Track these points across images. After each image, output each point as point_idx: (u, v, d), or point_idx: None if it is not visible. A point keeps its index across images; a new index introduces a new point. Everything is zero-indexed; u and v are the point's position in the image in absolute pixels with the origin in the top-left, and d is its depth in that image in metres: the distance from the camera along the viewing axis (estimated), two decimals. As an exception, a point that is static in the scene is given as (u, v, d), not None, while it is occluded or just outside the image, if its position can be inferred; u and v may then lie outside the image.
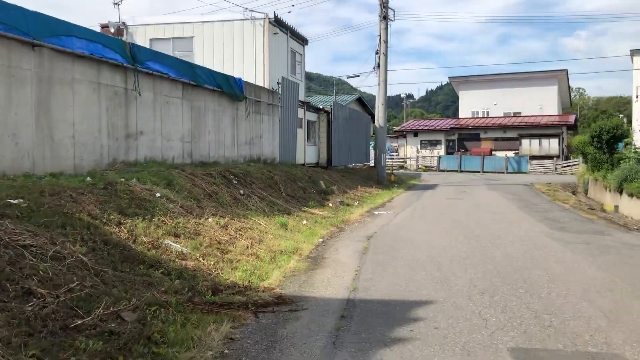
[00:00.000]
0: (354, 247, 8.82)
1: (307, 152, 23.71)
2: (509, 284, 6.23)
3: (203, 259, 6.60)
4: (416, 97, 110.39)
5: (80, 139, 9.32)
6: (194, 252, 6.74)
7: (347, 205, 14.49)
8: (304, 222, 10.76)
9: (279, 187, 13.11)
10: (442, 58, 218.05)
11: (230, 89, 14.83)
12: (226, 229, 8.32)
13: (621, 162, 19.35)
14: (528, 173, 37.40)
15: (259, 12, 19.68)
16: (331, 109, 25.72)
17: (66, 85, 9.02)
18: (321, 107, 26.01)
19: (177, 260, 6.26)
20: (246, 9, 19.14)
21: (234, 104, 15.31)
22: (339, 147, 26.55)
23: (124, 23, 20.83)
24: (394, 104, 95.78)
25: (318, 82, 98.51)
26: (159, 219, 7.28)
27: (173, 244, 6.68)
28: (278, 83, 19.01)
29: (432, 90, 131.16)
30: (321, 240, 9.45)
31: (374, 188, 20.51)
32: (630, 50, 35.30)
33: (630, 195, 15.79)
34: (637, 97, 32.20)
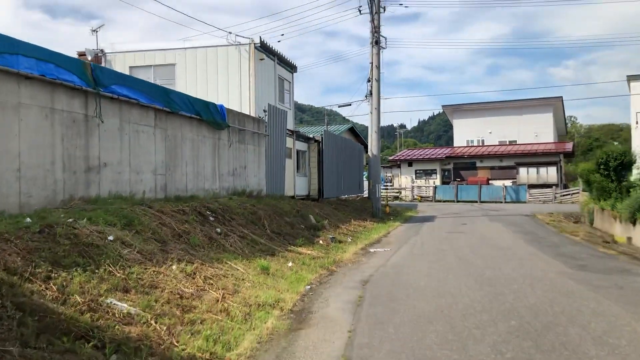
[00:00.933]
0: (346, 297, 7.45)
1: (296, 184, 22.46)
2: (545, 351, 4.87)
3: (155, 322, 5.21)
4: (408, 127, 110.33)
5: (27, 172, 8.00)
6: (146, 312, 5.35)
7: (340, 242, 13.11)
8: (290, 264, 9.38)
9: (263, 223, 11.75)
10: (433, 88, 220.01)
11: (210, 116, 13.63)
12: (193, 278, 6.95)
13: (631, 190, 18.21)
14: (527, 202, 36.26)
15: (244, 37, 18.73)
16: (322, 137, 24.59)
17: (10, 111, 7.75)
18: (311, 136, 24.89)
19: (119, 325, 4.87)
20: (230, 32, 18.16)
21: (215, 132, 14.10)
22: (330, 178, 25.33)
23: (102, 50, 19.79)
24: (387, 134, 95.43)
25: (310, 114, 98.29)
26: (105, 269, 5.91)
27: (118, 302, 5.30)
28: (264, 111, 17.88)
29: (424, 120, 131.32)
30: (308, 287, 8.06)
31: (369, 221, 19.18)
32: (627, 76, 34.69)
33: (647, 226, 14.59)
34: (637, 123, 31.33)
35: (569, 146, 40.37)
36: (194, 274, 7.09)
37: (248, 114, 17.26)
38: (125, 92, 10.28)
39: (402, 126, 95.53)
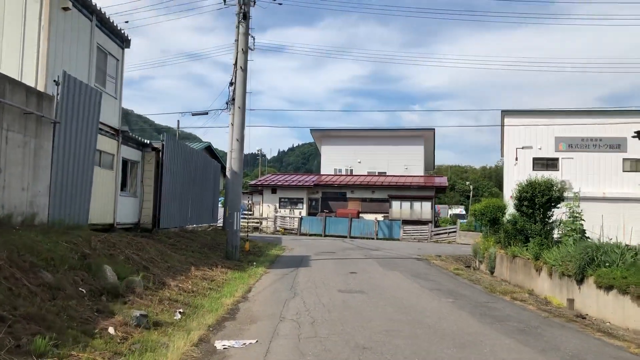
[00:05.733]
0: None
1: (119, 207, 15.36)
2: None
3: None
4: (268, 157, 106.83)
5: None
6: None
7: (156, 325, 6.57)
8: None
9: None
10: (294, 121, 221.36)
11: None
12: None
13: (559, 233, 14.38)
14: (400, 240, 32.58)
15: (34, -33, 11.59)
16: (163, 145, 17.82)
17: None
18: (148, 142, 17.98)
19: None
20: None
21: None
22: (172, 202, 18.52)
23: None
24: (246, 162, 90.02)
25: (169, 136, 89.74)
26: None
27: None
28: (56, 82, 10.85)
29: (283, 151, 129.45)
30: None
31: (220, 268, 12.73)
32: (502, 111, 33.46)
33: (609, 287, 10.31)
34: (516, 159, 29.30)
35: (443, 180, 37.96)
36: None
37: (19, 80, 10.11)
38: None
39: (263, 154, 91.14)
